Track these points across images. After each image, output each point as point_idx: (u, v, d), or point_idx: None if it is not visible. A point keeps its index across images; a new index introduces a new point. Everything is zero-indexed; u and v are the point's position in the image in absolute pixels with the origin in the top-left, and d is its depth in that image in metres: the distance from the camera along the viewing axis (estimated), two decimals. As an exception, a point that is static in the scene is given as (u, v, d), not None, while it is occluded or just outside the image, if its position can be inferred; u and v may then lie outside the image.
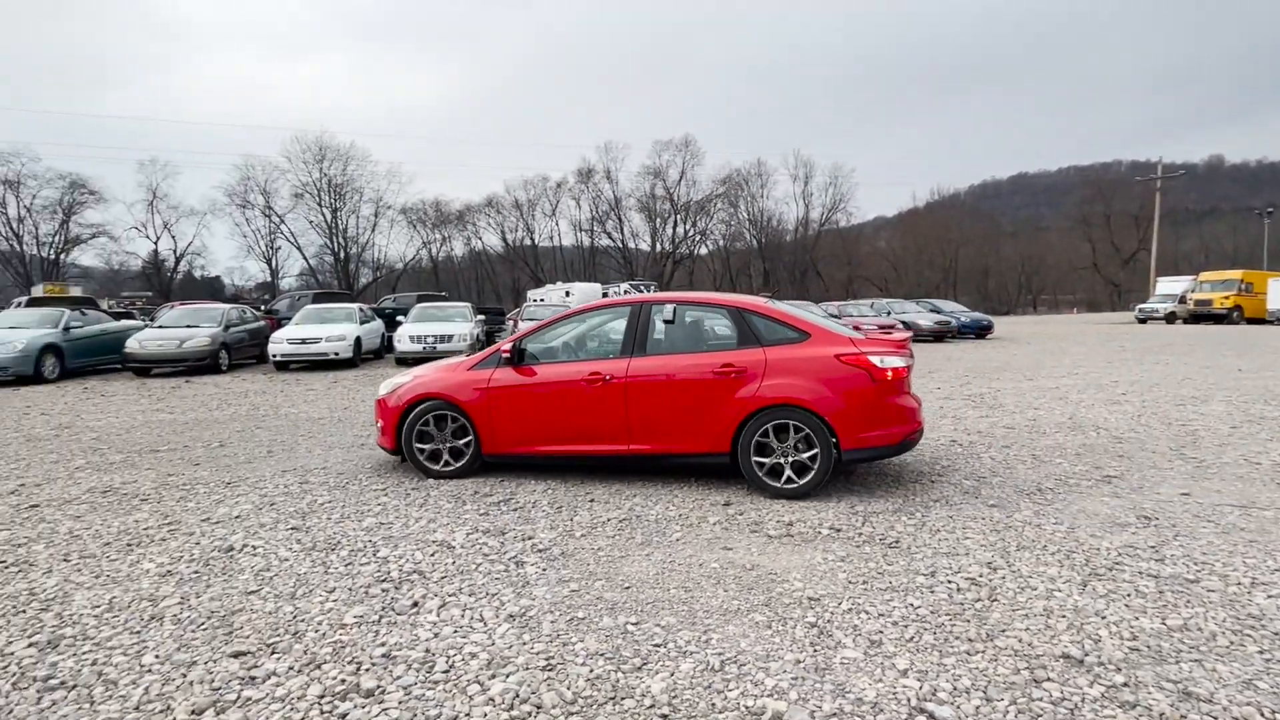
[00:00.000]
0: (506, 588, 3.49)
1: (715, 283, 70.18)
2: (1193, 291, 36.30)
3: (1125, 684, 2.56)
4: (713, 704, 2.48)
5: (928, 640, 2.91)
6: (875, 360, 4.95)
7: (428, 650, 2.87)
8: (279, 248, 60.76)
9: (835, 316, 22.03)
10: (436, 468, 5.67)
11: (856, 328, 21.97)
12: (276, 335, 15.73)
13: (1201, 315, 34.04)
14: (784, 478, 4.98)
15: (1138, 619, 3.07)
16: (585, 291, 39.37)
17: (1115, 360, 15.09)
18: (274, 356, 15.25)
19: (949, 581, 3.50)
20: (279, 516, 4.71)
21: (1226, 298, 34.08)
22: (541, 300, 34.93)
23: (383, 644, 2.92)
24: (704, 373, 5.16)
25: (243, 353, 16.41)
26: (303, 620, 3.15)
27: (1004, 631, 2.98)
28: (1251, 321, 33.15)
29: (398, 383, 5.95)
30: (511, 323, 23.49)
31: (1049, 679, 2.61)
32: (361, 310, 17.93)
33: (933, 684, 2.58)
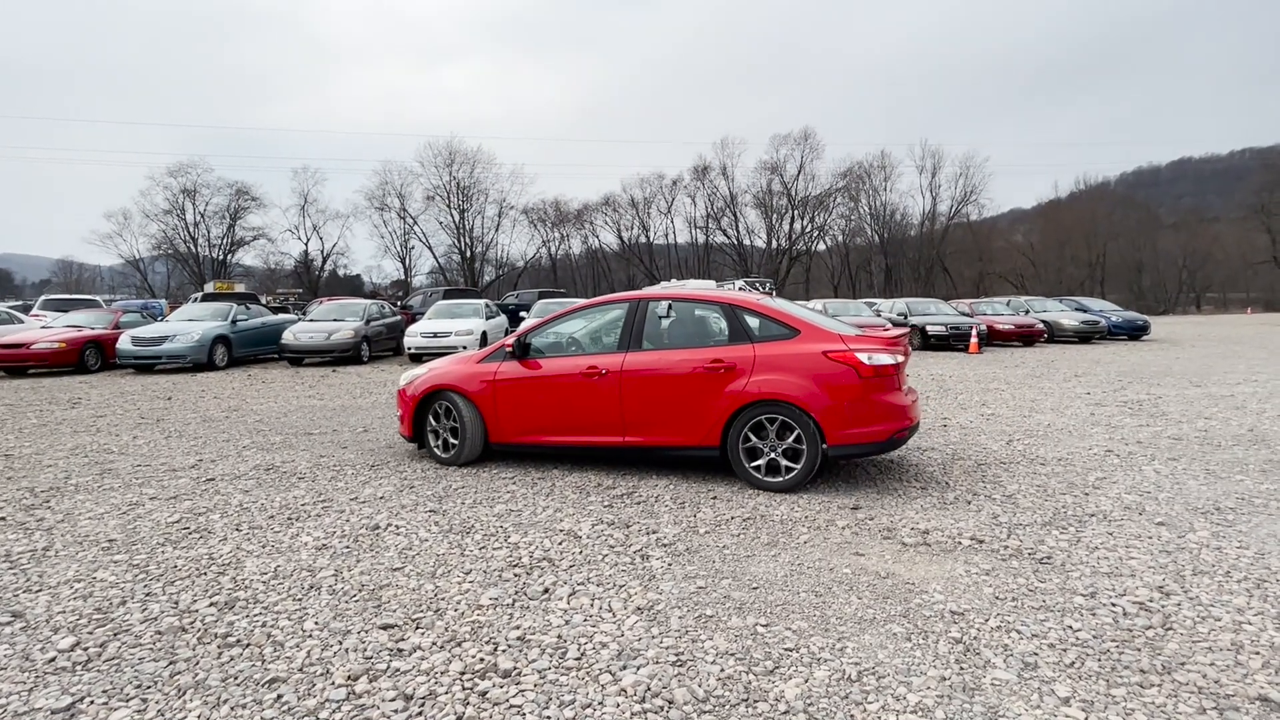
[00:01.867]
0: (633, 580, 3.51)
1: (834, 280, 68.04)
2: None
3: (1342, 737, 2.22)
4: (851, 715, 2.37)
5: (1091, 667, 2.65)
6: (863, 357, 4.94)
7: (560, 636, 2.93)
8: (412, 247, 64.62)
9: (966, 315, 20.77)
10: (449, 456, 5.98)
11: (990, 328, 20.54)
12: (411, 329, 16.74)
13: None
14: (770, 471, 5.06)
15: (1353, 663, 2.66)
16: (698, 288, 39.40)
17: (1303, 366, 13.29)
18: (409, 349, 16.23)
19: (1113, 605, 3.18)
20: (418, 499, 4.99)
21: None
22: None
23: (517, 627, 3.01)
24: (694, 368, 5.25)
25: (381, 345, 17.59)
26: (443, 599, 3.31)
27: (1183, 665, 2.67)
28: None
29: (416, 374, 6.32)
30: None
31: (1243, 723, 2.31)
32: (488, 306, 18.78)
33: (1101, 716, 2.34)
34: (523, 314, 18.45)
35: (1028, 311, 23.05)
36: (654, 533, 4.21)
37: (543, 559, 3.81)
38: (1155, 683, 2.55)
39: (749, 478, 5.12)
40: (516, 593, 3.38)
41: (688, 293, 5.89)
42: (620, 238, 72.02)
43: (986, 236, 68.02)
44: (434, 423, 6.09)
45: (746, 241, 69.73)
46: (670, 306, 5.65)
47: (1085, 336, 21.59)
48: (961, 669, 2.65)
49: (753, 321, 5.32)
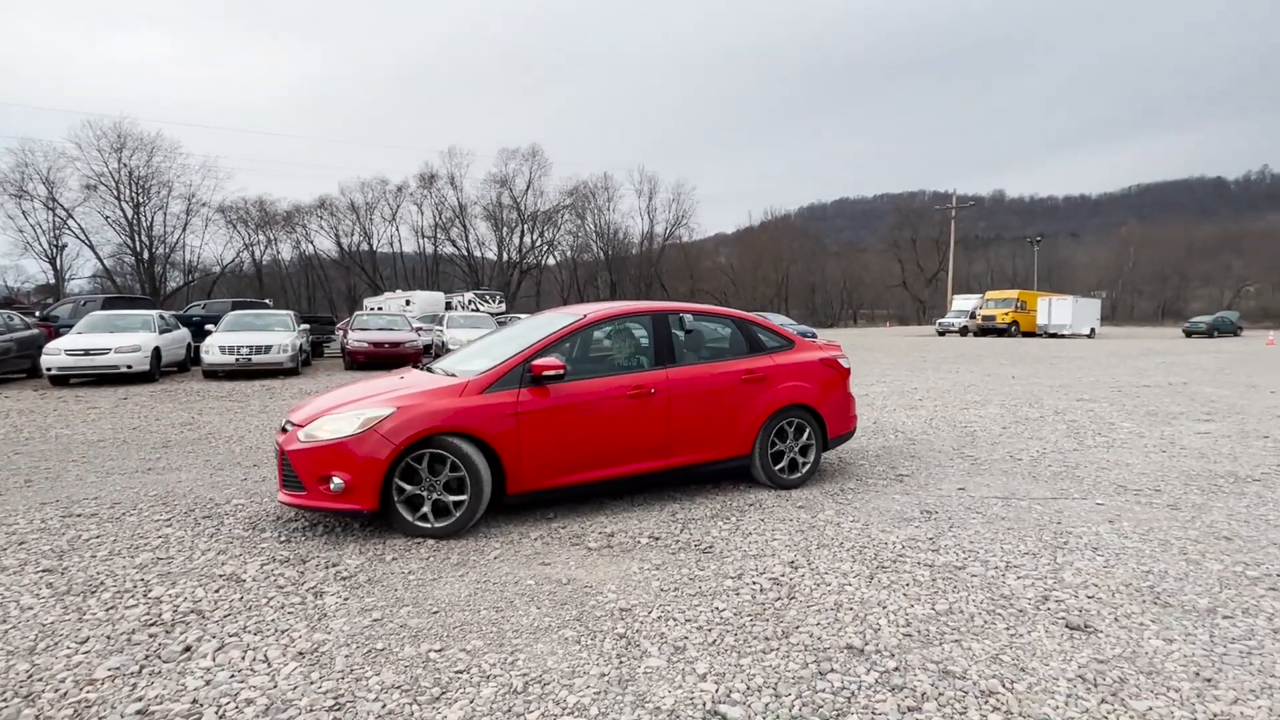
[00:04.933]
0: (300, 622, 3.21)
1: (564, 293, 70.27)
2: (981, 308, 41.37)
3: (896, 668, 2.80)
4: (511, 728, 2.41)
5: (729, 642, 3.02)
6: (843, 362, 6.03)
7: (194, 701, 2.56)
8: (65, 245, 53.07)
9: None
10: (447, 524, 4.40)
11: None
12: (53, 345, 13.63)
13: (987, 329, 38.88)
14: (795, 469, 5.64)
15: (912, 606, 3.38)
16: (427, 300, 37.88)
17: (916, 369, 16.79)
18: (48, 370, 13.21)
19: (754, 583, 3.67)
20: (29, 557, 4.05)
21: (1007, 314, 39.15)
22: (379, 309, 33.10)
23: (139, 699, 2.57)
24: (733, 380, 5.46)
25: (9, 365, 14.10)
26: (39, 679, 2.71)
27: (798, 628, 3.16)
28: (1026, 334, 38.34)
29: (370, 417, 4.35)
30: (341, 332, 21.93)
31: (833, 670, 2.79)
32: (162, 317, 16.01)
33: (728, 685, 2.67)
34: (209, 326, 16.10)
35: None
36: (334, 565, 3.91)
37: (190, 612, 3.32)
38: (775, 647, 2.99)
39: (775, 479, 5.53)
40: (148, 656, 2.89)
41: (695, 306, 5.82)
42: (339, 244, 66.84)
43: (696, 257, 75.90)
44: (410, 482, 4.40)
45: (477, 253, 69.24)
46: (692, 319, 5.64)
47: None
48: (621, 663, 2.85)
49: (762, 334, 5.81)
